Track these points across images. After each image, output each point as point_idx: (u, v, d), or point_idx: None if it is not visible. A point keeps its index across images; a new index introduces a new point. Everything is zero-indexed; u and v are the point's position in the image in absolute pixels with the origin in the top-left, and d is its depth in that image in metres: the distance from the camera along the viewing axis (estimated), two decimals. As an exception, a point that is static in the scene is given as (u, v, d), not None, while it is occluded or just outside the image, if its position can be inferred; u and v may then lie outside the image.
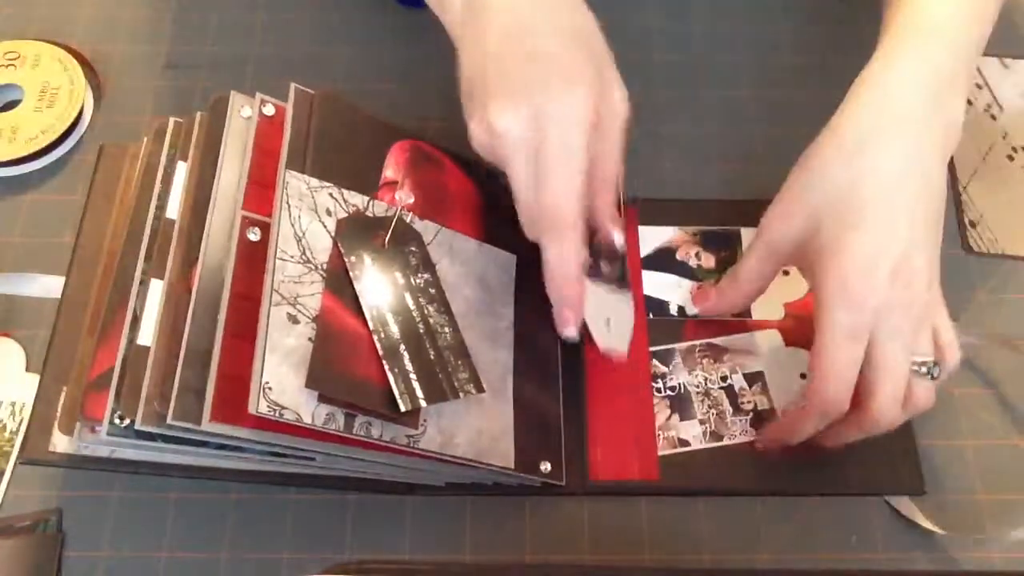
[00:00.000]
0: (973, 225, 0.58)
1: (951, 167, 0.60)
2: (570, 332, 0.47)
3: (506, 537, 0.49)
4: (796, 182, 0.46)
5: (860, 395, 0.44)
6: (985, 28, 0.48)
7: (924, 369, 0.44)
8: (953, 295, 0.55)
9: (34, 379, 0.51)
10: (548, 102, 0.43)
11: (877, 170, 0.44)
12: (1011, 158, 0.61)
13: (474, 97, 0.45)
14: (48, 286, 0.54)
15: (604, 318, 0.49)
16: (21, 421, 0.51)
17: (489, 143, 0.44)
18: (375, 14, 0.66)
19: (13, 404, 0.52)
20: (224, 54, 0.64)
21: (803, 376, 0.52)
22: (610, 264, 0.50)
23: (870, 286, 0.42)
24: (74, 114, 0.60)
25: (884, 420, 0.44)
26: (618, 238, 0.48)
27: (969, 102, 0.62)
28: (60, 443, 0.46)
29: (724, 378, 0.53)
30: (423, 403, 0.44)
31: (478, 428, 0.47)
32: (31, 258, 0.56)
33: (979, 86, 0.63)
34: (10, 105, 0.61)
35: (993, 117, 0.62)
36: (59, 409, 0.47)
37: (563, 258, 0.45)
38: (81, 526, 0.49)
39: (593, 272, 0.49)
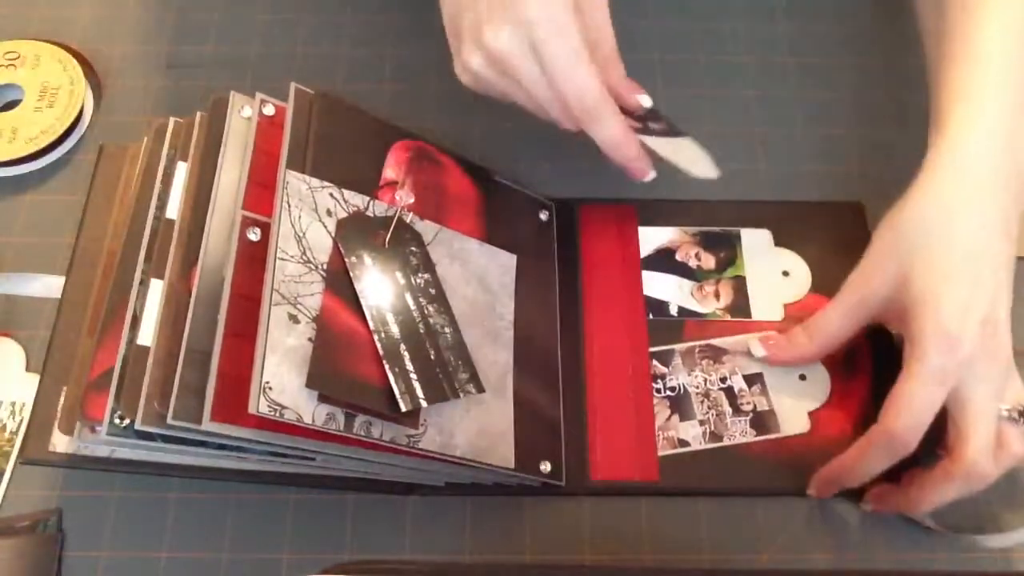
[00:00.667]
0: (973, 225, 0.58)
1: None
2: (649, 176, 0.52)
3: (506, 537, 0.49)
4: (883, 243, 0.48)
5: (950, 447, 0.45)
6: None
7: (1015, 415, 0.45)
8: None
9: (34, 379, 0.51)
10: (528, 8, 0.46)
11: (966, 232, 0.45)
12: (1011, 158, 0.61)
13: (464, 33, 0.49)
14: (48, 286, 0.54)
15: (684, 156, 0.53)
16: (21, 421, 0.51)
17: (492, 69, 0.48)
18: (375, 14, 0.66)
19: (13, 404, 0.52)
20: (224, 54, 0.64)
21: (802, 377, 0.53)
22: (656, 122, 0.53)
23: (964, 331, 0.44)
24: (74, 114, 0.60)
25: (978, 467, 0.44)
26: (644, 99, 0.52)
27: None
28: (60, 443, 0.47)
29: (723, 379, 0.53)
30: (424, 403, 0.44)
31: (478, 428, 0.47)
32: (31, 258, 0.56)
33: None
34: (10, 105, 0.61)
35: (993, 117, 0.62)
36: (59, 409, 0.47)
37: (609, 128, 0.49)
38: (81, 526, 0.49)
39: (646, 131, 0.52)
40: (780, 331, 0.53)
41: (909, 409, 0.44)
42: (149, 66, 0.64)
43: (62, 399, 0.48)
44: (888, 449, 0.45)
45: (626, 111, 0.51)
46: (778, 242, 0.57)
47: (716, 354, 0.53)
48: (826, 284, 0.53)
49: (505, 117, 0.54)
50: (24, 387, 0.52)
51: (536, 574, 0.45)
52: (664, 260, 0.56)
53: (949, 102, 0.48)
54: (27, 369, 0.53)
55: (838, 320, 0.49)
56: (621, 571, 0.49)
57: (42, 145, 0.59)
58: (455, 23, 0.50)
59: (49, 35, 0.64)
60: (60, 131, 0.59)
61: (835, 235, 0.57)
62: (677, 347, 0.54)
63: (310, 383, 0.42)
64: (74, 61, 0.62)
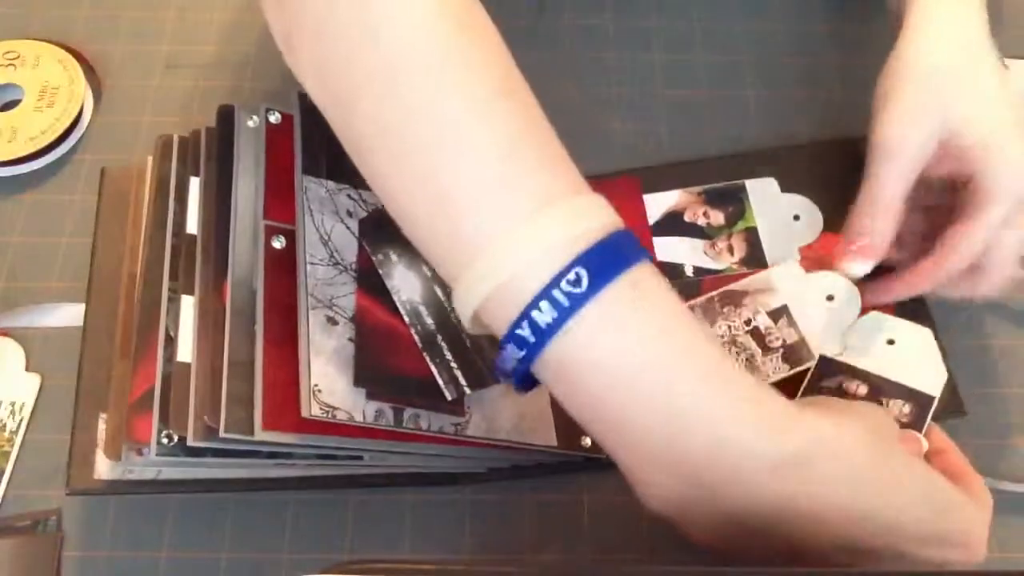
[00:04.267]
0: (973, 225, 0.58)
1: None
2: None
3: (506, 536, 0.49)
4: (908, 95, 0.48)
5: (974, 206, 0.48)
6: None
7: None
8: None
9: (34, 378, 0.51)
10: None
11: (987, 71, 0.48)
12: (1011, 158, 0.61)
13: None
14: (71, 315, 0.54)
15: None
16: (21, 421, 0.51)
17: None
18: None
19: (13, 404, 0.52)
20: (224, 54, 0.64)
21: (829, 298, 0.52)
22: None
23: None
24: (74, 114, 0.60)
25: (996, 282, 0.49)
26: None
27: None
28: (104, 470, 0.46)
29: (748, 322, 0.52)
30: (467, 390, 0.45)
31: (518, 411, 0.47)
32: (31, 258, 0.56)
33: (979, 86, 0.63)
34: (10, 105, 0.61)
35: (993, 117, 0.62)
36: (99, 436, 0.47)
37: None
38: (81, 526, 0.49)
39: None
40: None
41: (970, 249, 0.48)
42: (149, 66, 0.64)
43: (101, 425, 0.47)
44: (936, 282, 0.49)
45: None
46: (784, 188, 0.57)
47: (736, 298, 0.53)
48: (839, 222, 0.53)
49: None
50: (24, 386, 0.52)
51: (536, 573, 0.45)
52: (673, 223, 0.56)
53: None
54: (27, 369, 0.53)
55: (893, 184, 0.49)
56: (621, 571, 0.48)
57: (42, 145, 0.59)
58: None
59: (49, 35, 0.64)
60: (60, 131, 0.59)
61: (842, 172, 0.56)
62: (695, 302, 0.53)
63: (358, 381, 0.42)
64: (74, 61, 0.62)
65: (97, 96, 0.62)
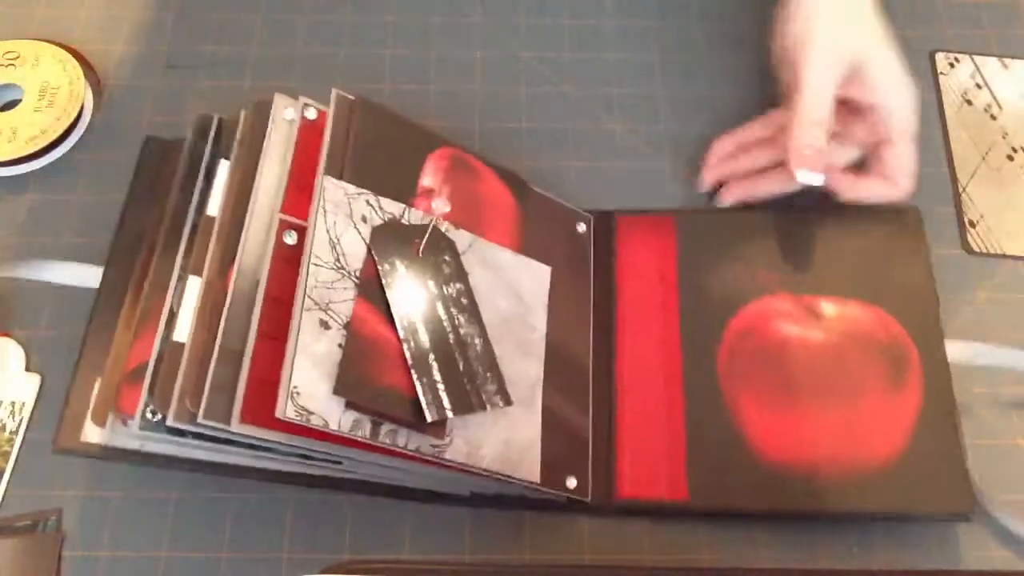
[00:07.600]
0: (973, 225, 0.58)
1: (951, 166, 0.60)
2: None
3: (506, 535, 0.49)
4: (818, 41, 0.54)
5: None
6: None
7: None
8: (953, 295, 0.55)
9: (34, 378, 0.51)
10: None
11: (872, 25, 0.56)
12: (1011, 158, 0.61)
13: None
14: (82, 275, 0.54)
15: None
16: (21, 421, 0.51)
17: None
18: (375, 14, 0.66)
19: (13, 404, 0.52)
20: (224, 54, 0.64)
21: None
22: None
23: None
24: (74, 114, 0.60)
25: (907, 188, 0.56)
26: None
27: (969, 102, 0.62)
28: (92, 434, 0.46)
29: None
30: (450, 414, 0.44)
31: (505, 440, 0.46)
32: (31, 258, 0.56)
33: (979, 86, 0.63)
34: (10, 105, 0.61)
35: (993, 117, 0.62)
36: (92, 400, 0.47)
37: None
38: (81, 526, 0.49)
39: None
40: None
41: (912, 165, 0.55)
42: (149, 66, 0.64)
43: (95, 390, 0.47)
44: (884, 195, 0.56)
45: None
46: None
47: None
48: (878, 294, 0.54)
49: (510, 118, 0.53)
50: (24, 387, 0.52)
51: (536, 574, 0.45)
52: None
53: None
54: (27, 369, 0.53)
55: (824, 102, 0.54)
56: (621, 571, 0.49)
57: (42, 145, 0.59)
58: None
59: (49, 35, 0.64)
60: (60, 131, 0.59)
61: (889, 243, 0.56)
62: None
63: (338, 390, 0.42)
64: (74, 61, 0.62)
65: (97, 96, 0.62)
